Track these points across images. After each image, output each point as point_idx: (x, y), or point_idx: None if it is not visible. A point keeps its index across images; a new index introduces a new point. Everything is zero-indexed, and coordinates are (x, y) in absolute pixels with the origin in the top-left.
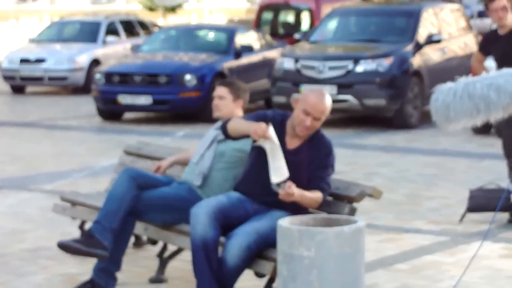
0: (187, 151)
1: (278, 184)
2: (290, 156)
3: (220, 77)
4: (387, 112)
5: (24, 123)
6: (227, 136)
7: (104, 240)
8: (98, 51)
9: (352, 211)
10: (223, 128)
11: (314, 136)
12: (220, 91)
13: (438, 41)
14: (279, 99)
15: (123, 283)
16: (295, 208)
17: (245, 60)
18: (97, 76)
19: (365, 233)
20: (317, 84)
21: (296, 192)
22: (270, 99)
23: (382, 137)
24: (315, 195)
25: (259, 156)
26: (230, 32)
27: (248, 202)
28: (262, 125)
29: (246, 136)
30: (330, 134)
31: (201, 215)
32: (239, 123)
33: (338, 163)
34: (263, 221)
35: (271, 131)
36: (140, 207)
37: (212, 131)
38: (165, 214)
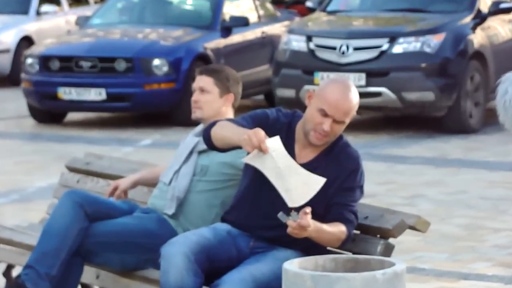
0: (156, 167)
1: (288, 213)
2: None
3: (202, 62)
4: (436, 110)
5: None
6: (211, 146)
7: None
8: (29, 26)
9: (388, 250)
10: (206, 135)
11: (334, 146)
12: (203, 81)
13: (509, 11)
14: (285, 92)
15: None
16: (308, 246)
17: (237, 38)
18: (29, 61)
19: (406, 280)
20: (338, 72)
21: (312, 225)
22: (273, 93)
23: (429, 145)
24: (337, 230)
25: (258, 173)
26: None
27: (242, 238)
28: (259, 132)
29: (237, 147)
30: (356, 142)
31: (176, 256)
32: (227, 129)
33: (368, 183)
34: (263, 264)
35: (273, 142)
36: (90, 245)
37: (190, 138)
38: (125, 255)
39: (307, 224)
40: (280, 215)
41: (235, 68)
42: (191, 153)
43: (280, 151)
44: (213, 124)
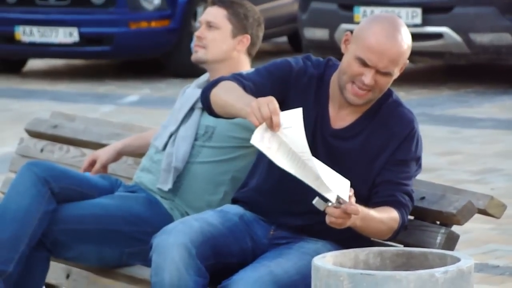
0: (146, 132)
1: (325, 198)
2: (336, 142)
3: None
4: None
5: None
6: (211, 113)
7: None
8: None
9: (451, 241)
10: (204, 99)
11: (381, 105)
12: (212, 14)
13: None
14: (315, 33)
15: None
16: (346, 236)
17: None
18: None
19: (475, 281)
20: (385, 7)
21: (360, 211)
22: (299, 34)
23: (505, 103)
24: (387, 216)
25: None
26: None
27: (259, 225)
28: (272, 102)
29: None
30: (410, 99)
31: (173, 249)
32: (230, 93)
33: (425, 153)
34: (286, 260)
35: (290, 116)
36: (57, 234)
37: (192, 90)
38: (104, 247)
39: (355, 210)
40: (316, 201)
41: (249, 1)
42: (192, 109)
43: (296, 130)
44: (214, 83)
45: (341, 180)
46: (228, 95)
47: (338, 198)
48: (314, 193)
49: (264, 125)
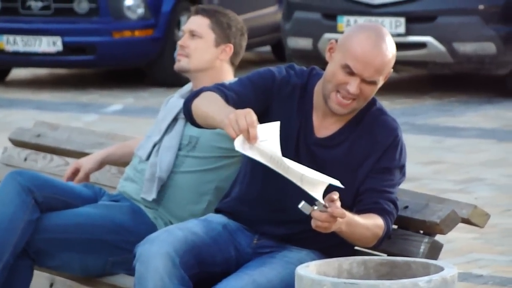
0: (129, 141)
1: (311, 202)
2: (320, 151)
3: (189, 2)
4: (498, 67)
5: None
6: (193, 124)
7: None
8: None
9: (434, 250)
10: (186, 109)
11: (365, 114)
12: (195, 23)
13: None
14: (298, 43)
15: None
16: (329, 245)
17: None
18: None
19: None
20: (369, 16)
21: (346, 214)
22: (282, 43)
23: (489, 112)
24: (372, 223)
25: None
26: None
27: (242, 234)
28: (250, 114)
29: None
30: (393, 108)
31: (156, 258)
32: (211, 104)
33: (408, 162)
34: (269, 269)
35: (266, 129)
36: (41, 243)
37: (175, 101)
38: (88, 256)
39: (341, 213)
40: (303, 205)
41: (232, 10)
42: (175, 119)
43: (271, 143)
44: (195, 94)
45: (321, 176)
46: (209, 107)
47: (319, 203)
48: (297, 201)
49: (241, 136)
